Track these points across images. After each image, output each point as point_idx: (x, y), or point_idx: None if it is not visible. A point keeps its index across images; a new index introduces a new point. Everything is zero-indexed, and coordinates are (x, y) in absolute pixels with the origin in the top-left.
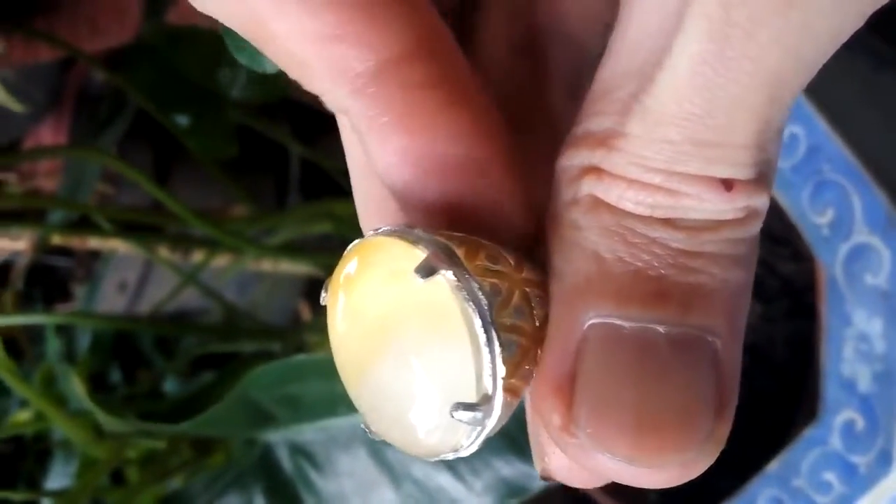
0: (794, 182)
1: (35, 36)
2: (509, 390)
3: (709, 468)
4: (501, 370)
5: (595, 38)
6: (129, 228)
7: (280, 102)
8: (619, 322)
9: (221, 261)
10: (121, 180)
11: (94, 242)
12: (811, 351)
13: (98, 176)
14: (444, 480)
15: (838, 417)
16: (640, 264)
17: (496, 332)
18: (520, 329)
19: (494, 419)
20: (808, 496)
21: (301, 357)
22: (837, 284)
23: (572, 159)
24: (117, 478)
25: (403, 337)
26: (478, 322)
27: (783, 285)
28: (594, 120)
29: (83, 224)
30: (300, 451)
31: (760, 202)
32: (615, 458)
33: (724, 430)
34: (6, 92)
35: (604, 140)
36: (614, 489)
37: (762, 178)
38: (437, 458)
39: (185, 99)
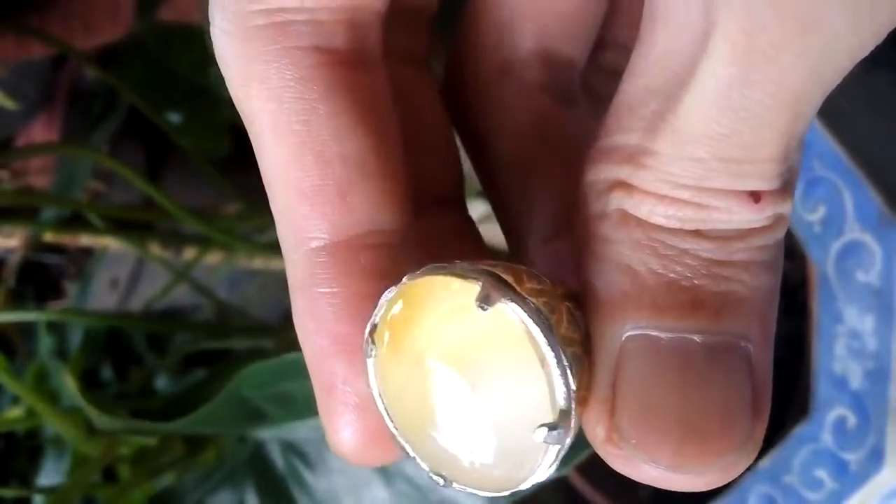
0: None
1: (27, 33)
2: (579, 402)
3: None
4: (573, 384)
5: (579, 52)
6: (121, 226)
7: None
8: (655, 333)
9: (213, 258)
10: (113, 178)
11: (85, 240)
12: (803, 348)
13: (90, 173)
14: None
15: (830, 414)
16: (672, 275)
17: (562, 348)
18: (576, 341)
19: (573, 434)
20: (799, 493)
21: (293, 355)
22: (829, 282)
23: (599, 174)
24: (109, 475)
25: (473, 371)
26: (543, 341)
27: None
28: (620, 135)
29: (75, 221)
30: (292, 449)
31: (786, 208)
32: (659, 466)
33: (761, 431)
34: None
35: (631, 156)
36: (605, 487)
37: (787, 185)
38: (515, 490)
39: (178, 96)
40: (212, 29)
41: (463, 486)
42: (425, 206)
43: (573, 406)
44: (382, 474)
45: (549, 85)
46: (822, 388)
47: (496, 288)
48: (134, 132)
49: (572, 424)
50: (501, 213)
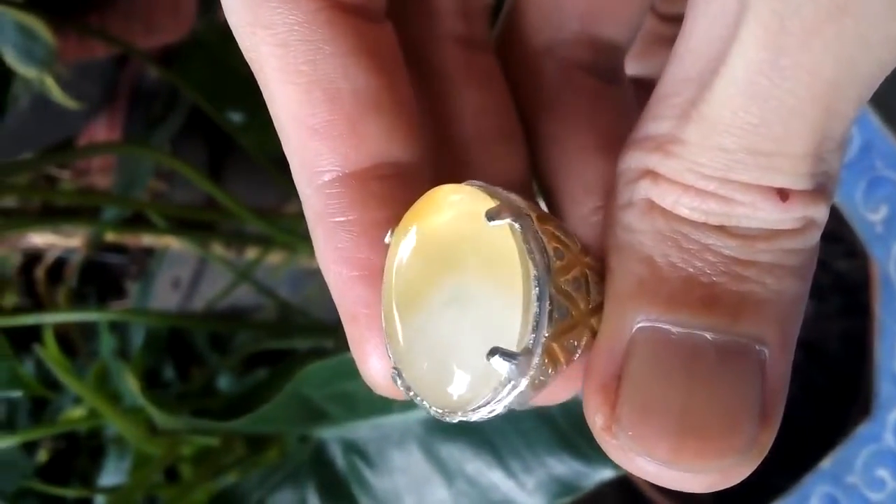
0: (848, 179)
1: (89, 33)
2: (549, 354)
3: (763, 464)
4: (546, 327)
5: (624, 35)
6: (183, 225)
7: None
8: (667, 326)
9: (275, 257)
10: (174, 177)
11: (147, 239)
12: (865, 348)
13: (152, 173)
14: (497, 477)
15: (892, 414)
16: (692, 270)
17: (551, 289)
18: (573, 301)
19: (527, 377)
20: (861, 493)
21: None
22: (891, 281)
23: (630, 162)
24: (171, 474)
25: (461, 275)
26: (534, 272)
27: (837, 282)
28: (653, 124)
29: (137, 221)
30: (353, 449)
31: (818, 213)
32: (655, 461)
33: (768, 439)
34: (60, 89)
35: (661, 145)
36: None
37: (820, 189)
38: (461, 416)
39: (239, 95)
40: None
41: (416, 391)
42: None
43: (539, 347)
44: (443, 474)
45: (591, 65)
46: (884, 387)
47: (512, 210)
48: (196, 131)
49: (532, 365)
50: (547, 187)
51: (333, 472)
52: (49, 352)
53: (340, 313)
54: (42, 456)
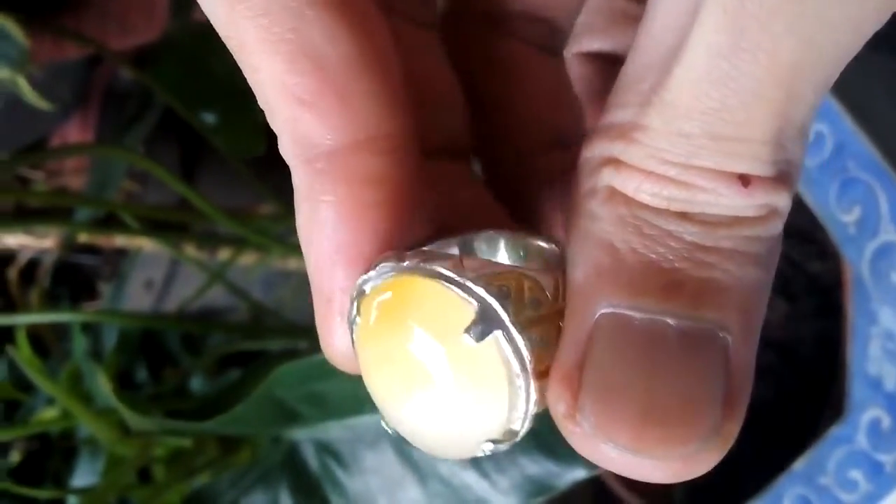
0: (821, 180)
1: (62, 33)
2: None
3: (736, 466)
4: (532, 418)
5: (562, 18)
6: (156, 226)
7: None
8: (629, 313)
9: (248, 259)
10: (147, 178)
11: (120, 240)
12: (838, 349)
13: (124, 174)
14: (470, 478)
15: (864, 416)
16: (653, 256)
17: (534, 388)
18: (548, 372)
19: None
20: (834, 494)
21: None
22: (864, 283)
23: (593, 150)
24: (144, 476)
25: (438, 385)
26: (521, 383)
27: (810, 284)
28: (616, 112)
29: (110, 222)
30: (326, 450)
31: (781, 201)
32: (617, 447)
33: (732, 427)
34: (33, 90)
35: (624, 132)
36: (638, 485)
37: (783, 176)
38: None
39: (213, 96)
40: None
41: (407, 438)
42: (435, 155)
43: (525, 429)
44: (417, 474)
45: (530, 39)
46: (856, 389)
47: (490, 318)
48: (169, 132)
49: (518, 438)
50: (487, 155)
51: (306, 473)
52: (22, 353)
53: (314, 292)
54: (14, 457)
